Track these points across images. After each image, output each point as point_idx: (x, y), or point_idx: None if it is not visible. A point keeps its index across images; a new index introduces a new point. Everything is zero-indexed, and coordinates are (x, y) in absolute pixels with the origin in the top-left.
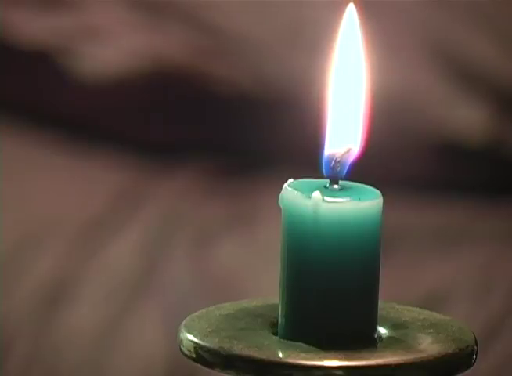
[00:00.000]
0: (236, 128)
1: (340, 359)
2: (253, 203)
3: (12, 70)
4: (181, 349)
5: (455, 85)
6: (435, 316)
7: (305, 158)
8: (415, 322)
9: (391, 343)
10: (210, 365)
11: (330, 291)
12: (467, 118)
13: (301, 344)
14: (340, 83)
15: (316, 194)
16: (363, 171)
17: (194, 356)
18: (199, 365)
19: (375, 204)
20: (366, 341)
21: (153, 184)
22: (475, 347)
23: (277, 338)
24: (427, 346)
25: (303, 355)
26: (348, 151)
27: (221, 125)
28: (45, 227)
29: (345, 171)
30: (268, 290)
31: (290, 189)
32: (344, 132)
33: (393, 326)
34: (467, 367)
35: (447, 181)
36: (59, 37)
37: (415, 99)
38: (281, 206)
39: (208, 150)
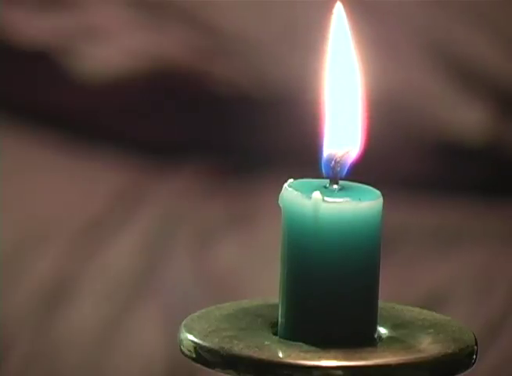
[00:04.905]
0: (236, 128)
1: (339, 359)
2: (253, 203)
3: (12, 70)
4: (181, 349)
5: (454, 85)
6: (435, 316)
7: (305, 158)
8: (415, 322)
9: (391, 343)
10: (210, 365)
11: (330, 291)
12: (467, 118)
13: (301, 344)
14: (335, 83)
15: (316, 194)
16: (363, 171)
17: (194, 356)
18: (199, 365)
19: (375, 204)
20: (366, 341)
21: (153, 184)
22: (475, 347)
23: (277, 337)
24: (427, 346)
25: (303, 355)
26: (348, 151)
27: (220, 125)
28: (45, 227)
29: (345, 172)
30: (268, 290)
31: (290, 189)
32: (343, 132)
33: (393, 326)
34: (467, 367)
35: (447, 181)
36: (60, 37)
37: (414, 100)
38: (281, 206)
39: (208, 150)
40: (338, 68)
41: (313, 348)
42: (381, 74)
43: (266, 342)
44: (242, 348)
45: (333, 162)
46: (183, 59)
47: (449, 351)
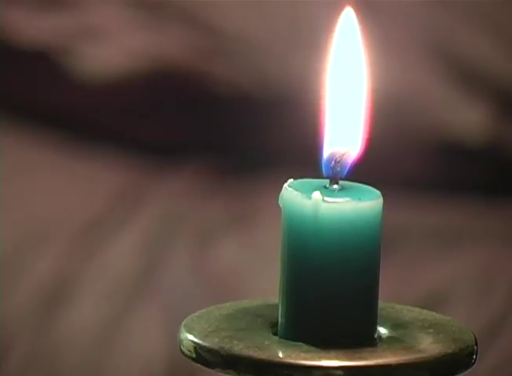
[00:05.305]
0: (236, 128)
1: (340, 359)
2: (253, 203)
3: (12, 70)
4: (181, 349)
5: (455, 86)
6: (435, 316)
7: (305, 158)
8: (415, 322)
9: (391, 343)
10: (210, 365)
11: (330, 291)
12: (468, 118)
13: (301, 344)
14: (338, 83)
15: (316, 194)
16: (363, 171)
17: (194, 356)
18: (199, 365)
19: (375, 204)
20: (366, 341)
21: (153, 184)
22: (475, 347)
23: (277, 337)
24: (427, 346)
25: (303, 355)
26: (348, 151)
27: (220, 125)
28: (45, 227)
29: (345, 172)
30: (268, 290)
31: (290, 189)
32: (343, 132)
33: (393, 326)
34: (467, 367)
35: (447, 181)
36: (60, 37)
37: (415, 100)
38: (281, 206)
39: (208, 150)
40: (342, 68)
41: (313, 348)
42: (383, 75)
43: (266, 342)
44: (242, 348)
45: (333, 162)
46: (183, 59)
47: (449, 351)
